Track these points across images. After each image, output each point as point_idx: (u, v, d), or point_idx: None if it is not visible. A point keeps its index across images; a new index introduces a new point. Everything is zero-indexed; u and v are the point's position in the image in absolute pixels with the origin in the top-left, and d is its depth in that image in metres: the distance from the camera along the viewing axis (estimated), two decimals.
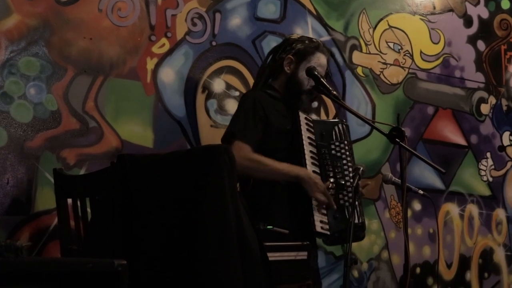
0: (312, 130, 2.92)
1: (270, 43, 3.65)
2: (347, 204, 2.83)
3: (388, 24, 4.20)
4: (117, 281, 1.84)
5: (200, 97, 3.39)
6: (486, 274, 4.49)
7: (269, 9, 3.69)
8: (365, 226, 2.96)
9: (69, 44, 3.01)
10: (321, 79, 2.91)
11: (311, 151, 2.87)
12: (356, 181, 2.60)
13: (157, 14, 3.28)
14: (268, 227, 2.62)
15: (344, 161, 2.92)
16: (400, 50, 4.22)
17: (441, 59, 4.43)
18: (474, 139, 4.54)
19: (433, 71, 4.38)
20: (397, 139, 2.65)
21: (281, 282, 2.39)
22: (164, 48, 3.29)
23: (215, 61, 3.45)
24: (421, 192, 3.11)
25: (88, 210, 2.55)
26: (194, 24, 3.41)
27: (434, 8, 4.46)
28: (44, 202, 2.85)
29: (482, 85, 4.63)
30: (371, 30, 4.10)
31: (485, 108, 4.64)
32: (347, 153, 2.94)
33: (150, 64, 3.24)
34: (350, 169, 2.91)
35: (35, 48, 2.92)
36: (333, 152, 2.92)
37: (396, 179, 3.05)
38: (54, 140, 2.93)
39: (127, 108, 3.14)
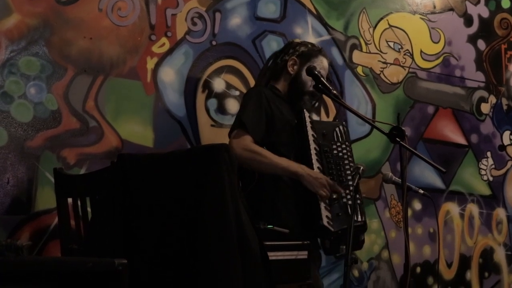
0: (315, 130, 2.93)
1: (270, 42, 3.65)
2: (349, 202, 2.84)
3: (388, 24, 4.20)
4: (117, 281, 1.84)
5: (200, 97, 3.39)
6: (486, 274, 4.49)
7: (269, 9, 3.69)
8: (367, 226, 2.96)
9: (69, 43, 3.01)
10: (321, 78, 2.91)
11: (315, 149, 2.88)
12: (356, 181, 2.60)
13: (157, 14, 3.28)
14: (268, 226, 2.62)
15: (346, 161, 2.94)
16: (400, 50, 4.22)
17: (441, 59, 4.43)
18: (474, 138, 4.54)
19: (433, 71, 4.37)
20: (397, 139, 2.65)
21: (281, 281, 2.39)
22: (164, 48, 3.29)
23: (215, 60, 3.45)
24: (421, 191, 3.11)
25: (89, 209, 2.56)
26: (194, 24, 3.41)
27: (434, 7, 4.46)
28: (45, 202, 2.86)
29: (482, 85, 4.63)
30: (371, 30, 4.10)
31: (485, 108, 4.64)
32: (348, 153, 2.97)
33: (150, 63, 3.24)
34: (352, 169, 2.91)
35: (35, 48, 2.92)
36: (335, 152, 2.94)
37: (396, 178, 3.05)
38: (54, 140, 2.93)
39: (127, 108, 3.14)
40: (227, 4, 3.52)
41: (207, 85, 3.41)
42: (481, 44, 4.67)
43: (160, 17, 3.29)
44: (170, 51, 3.31)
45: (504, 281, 4.58)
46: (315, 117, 3.69)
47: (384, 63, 4.13)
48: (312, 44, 3.14)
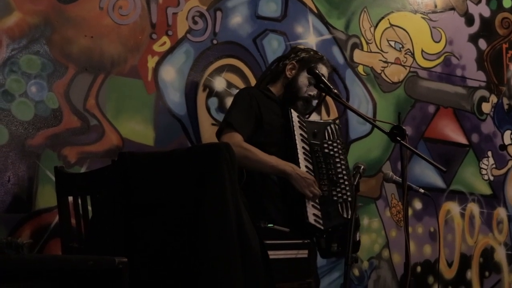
0: (305, 129, 2.95)
1: (271, 41, 3.65)
2: (340, 200, 2.87)
3: (389, 23, 4.19)
4: (118, 279, 1.84)
5: (201, 96, 3.39)
6: (487, 273, 4.49)
7: (270, 8, 3.69)
8: (359, 223, 2.98)
9: (70, 42, 3.01)
10: (322, 77, 2.92)
11: (303, 148, 2.89)
12: (356, 180, 2.60)
13: (158, 12, 3.28)
14: (269, 225, 2.63)
15: (337, 159, 2.95)
16: (401, 49, 4.22)
17: (442, 58, 4.42)
18: (475, 138, 4.54)
19: (434, 70, 4.37)
20: (398, 138, 2.65)
21: (281, 280, 2.39)
22: (165, 46, 3.29)
23: (216, 59, 3.45)
24: (422, 190, 3.11)
25: (89, 208, 2.56)
26: (195, 23, 3.41)
27: (436, 6, 4.46)
28: (45, 200, 2.86)
29: (483, 84, 4.63)
30: (372, 29, 4.10)
31: (486, 107, 4.63)
32: (340, 151, 2.98)
33: (151, 62, 3.24)
34: (343, 167, 2.95)
35: (36, 46, 2.92)
36: (326, 150, 2.95)
37: (397, 177, 3.05)
38: (55, 138, 2.93)
39: (128, 106, 3.15)
40: (228, 3, 3.52)
41: (208, 84, 3.41)
42: (482, 43, 4.67)
43: (161, 15, 3.29)
44: (171, 50, 3.31)
45: (504, 280, 4.58)
46: (313, 118, 3.69)
47: (385, 62, 4.13)
48: (315, 52, 3.17)
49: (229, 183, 2.14)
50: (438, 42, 4.43)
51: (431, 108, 4.33)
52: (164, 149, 3.14)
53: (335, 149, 2.97)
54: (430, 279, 4.18)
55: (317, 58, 3.08)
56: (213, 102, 3.42)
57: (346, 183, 2.91)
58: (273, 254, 2.33)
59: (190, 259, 2.10)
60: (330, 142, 2.97)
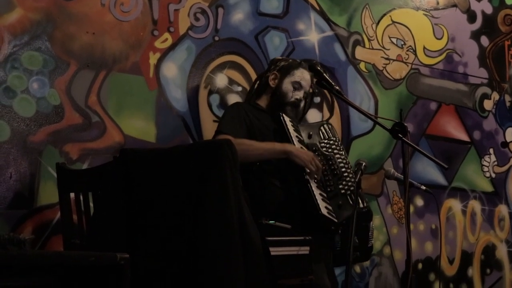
0: (299, 132, 2.99)
1: (273, 38, 3.65)
2: (348, 192, 2.88)
3: (391, 20, 4.19)
4: (119, 275, 1.84)
5: (203, 92, 3.39)
6: (488, 270, 4.49)
7: (272, 4, 3.69)
8: (372, 213, 2.97)
9: (72, 38, 3.01)
10: (324, 74, 2.92)
11: (302, 148, 2.89)
12: (358, 177, 2.60)
13: (160, 9, 3.28)
14: (270, 222, 2.63)
15: (337, 155, 2.97)
16: (403, 46, 4.22)
17: (444, 55, 4.42)
18: (477, 135, 4.53)
19: (436, 67, 4.37)
20: (399, 135, 2.65)
21: (283, 277, 2.39)
22: (166, 43, 3.29)
23: (218, 56, 3.45)
24: (423, 187, 3.11)
25: (91, 204, 2.56)
26: (197, 19, 3.41)
27: (438, 3, 4.45)
28: (47, 196, 2.86)
29: (485, 81, 4.62)
30: (374, 26, 4.09)
31: (488, 104, 4.63)
32: (338, 147, 3.01)
33: (153, 59, 3.24)
34: (344, 161, 2.97)
35: (38, 43, 2.92)
36: (323, 149, 2.98)
37: (399, 174, 3.05)
38: (56, 135, 2.93)
39: (130, 103, 3.15)
40: None
41: (210, 81, 3.41)
42: (485, 40, 4.66)
43: (163, 12, 3.29)
44: (172, 47, 3.31)
45: (506, 277, 4.58)
46: (315, 115, 3.69)
47: (387, 59, 4.12)
48: (293, 59, 3.23)
49: (230, 180, 2.15)
50: (440, 39, 4.42)
51: (433, 105, 4.33)
52: (165, 145, 3.14)
53: (333, 146, 3.00)
54: (432, 276, 4.18)
55: (297, 63, 3.14)
56: (215, 99, 3.42)
57: (351, 175, 2.92)
58: (274, 251, 2.33)
59: (191, 255, 2.10)
60: (326, 141, 3.01)
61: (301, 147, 2.90)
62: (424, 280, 4.14)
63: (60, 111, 2.96)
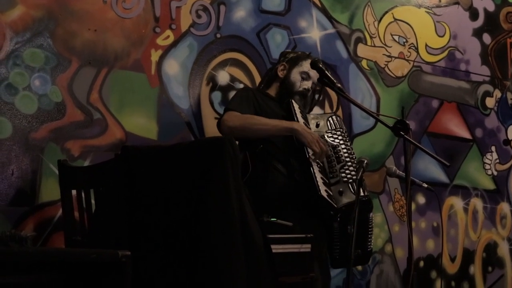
0: (307, 120, 3.02)
1: (275, 35, 3.65)
2: (350, 180, 2.89)
3: (393, 17, 4.18)
4: (121, 272, 1.84)
5: (205, 89, 3.39)
6: (490, 268, 4.49)
7: (274, 2, 3.68)
8: (372, 204, 2.97)
9: (73, 35, 3.01)
10: (326, 71, 2.92)
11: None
12: (360, 174, 2.60)
13: (162, 6, 3.28)
14: (272, 219, 2.62)
15: (343, 145, 2.98)
16: (405, 43, 4.21)
17: (446, 52, 4.41)
18: (479, 132, 4.53)
19: (438, 64, 4.36)
20: (401, 132, 2.65)
21: (284, 274, 2.39)
22: (168, 40, 3.29)
23: (220, 53, 3.45)
24: (425, 185, 3.11)
25: (93, 201, 2.56)
26: (199, 16, 3.40)
27: (440, 0, 4.44)
28: (49, 193, 2.86)
29: (487, 79, 4.62)
30: (376, 23, 4.09)
31: (490, 102, 4.62)
32: (344, 138, 3.03)
33: (155, 56, 3.24)
34: (350, 151, 2.98)
35: (40, 40, 2.92)
36: (330, 140, 2.98)
37: (400, 172, 3.05)
38: (58, 132, 2.93)
39: (132, 100, 3.15)
40: None
41: (211, 78, 3.41)
42: (487, 38, 4.65)
43: (165, 9, 3.29)
44: (174, 44, 3.31)
45: (507, 275, 4.58)
46: (317, 112, 3.69)
47: (388, 56, 4.12)
48: (302, 52, 3.26)
49: (232, 177, 2.15)
50: (442, 36, 4.42)
51: (435, 103, 4.33)
52: (167, 143, 3.14)
53: (340, 137, 3.02)
54: (433, 274, 4.18)
55: (305, 55, 3.18)
56: (217, 96, 3.41)
57: (354, 164, 2.94)
58: (276, 248, 2.33)
59: (193, 253, 2.10)
60: (333, 131, 3.03)
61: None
62: (426, 278, 4.14)
63: (62, 108, 2.96)
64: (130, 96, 3.15)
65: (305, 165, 2.84)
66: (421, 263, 4.12)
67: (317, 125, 3.04)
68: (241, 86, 3.48)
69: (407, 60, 4.21)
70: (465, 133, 4.46)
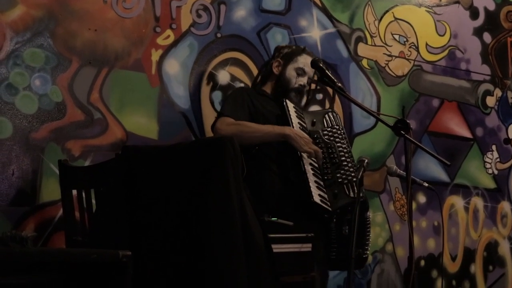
0: (303, 119, 3.00)
1: (275, 35, 3.65)
2: (345, 181, 2.89)
3: (394, 16, 4.18)
4: (121, 272, 1.84)
5: (205, 89, 3.38)
6: (490, 267, 4.49)
7: (274, 1, 3.68)
8: (368, 204, 2.97)
9: (74, 35, 3.01)
10: (326, 71, 2.91)
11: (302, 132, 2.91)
12: (360, 174, 2.60)
13: (162, 6, 3.28)
14: (273, 219, 2.62)
15: (338, 144, 2.98)
16: (406, 42, 4.21)
17: (446, 51, 4.41)
18: (479, 131, 4.53)
19: (439, 64, 4.36)
20: (402, 131, 2.65)
21: (285, 274, 2.39)
22: (169, 40, 3.29)
23: (220, 53, 3.45)
24: (426, 184, 3.10)
25: (93, 201, 2.56)
26: (199, 16, 3.40)
27: (440, 0, 4.44)
28: (49, 193, 2.86)
29: (488, 78, 4.61)
30: (376, 22, 4.09)
31: (490, 101, 4.62)
32: (340, 136, 3.02)
33: (155, 55, 3.24)
34: (345, 150, 2.97)
35: (40, 40, 2.92)
36: (325, 137, 2.98)
37: (401, 171, 3.05)
38: (59, 132, 2.93)
39: (132, 100, 3.14)
40: None
41: (212, 78, 3.41)
42: (487, 37, 4.65)
43: (165, 9, 3.29)
44: (175, 43, 3.30)
45: (508, 274, 4.58)
46: (314, 108, 3.68)
47: (389, 56, 4.12)
48: (297, 46, 3.27)
49: (233, 177, 2.14)
50: (443, 35, 4.41)
51: (435, 102, 4.32)
52: (167, 142, 3.14)
53: (335, 135, 3.01)
54: (434, 273, 4.18)
55: (300, 50, 3.17)
56: (217, 95, 3.41)
57: (350, 164, 2.93)
58: (276, 248, 2.33)
59: (193, 253, 2.10)
60: (329, 129, 3.02)
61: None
62: (427, 277, 4.14)
63: (62, 108, 2.95)
64: (131, 96, 3.14)
65: (299, 168, 2.84)
66: (422, 262, 4.12)
67: (313, 123, 3.02)
68: (242, 85, 3.47)
69: (408, 59, 4.20)
70: (465, 132, 4.46)
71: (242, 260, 2.10)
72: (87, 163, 2.97)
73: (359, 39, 4.00)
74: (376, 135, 3.97)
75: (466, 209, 4.39)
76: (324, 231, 2.86)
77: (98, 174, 2.51)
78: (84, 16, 3.04)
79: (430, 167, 4.19)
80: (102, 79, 3.07)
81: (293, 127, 2.92)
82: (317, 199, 2.76)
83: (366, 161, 2.65)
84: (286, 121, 2.94)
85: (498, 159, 4.60)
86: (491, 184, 4.55)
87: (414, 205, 4.09)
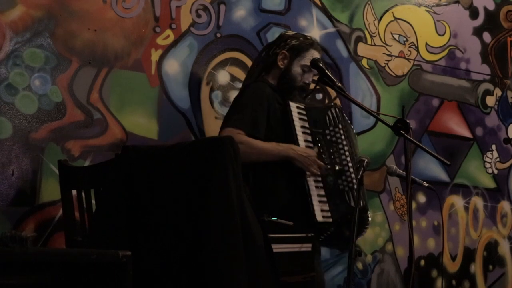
0: (306, 118, 2.93)
1: (275, 35, 3.62)
2: (346, 189, 2.87)
3: (394, 16, 4.18)
4: (121, 272, 1.84)
5: (205, 89, 3.38)
6: (490, 267, 4.49)
7: (274, 1, 3.68)
8: (368, 208, 2.96)
9: (73, 35, 3.01)
10: (326, 71, 2.91)
11: (306, 140, 2.89)
12: (360, 173, 2.60)
13: (162, 6, 3.28)
14: (273, 219, 2.62)
15: (340, 146, 2.93)
16: (405, 42, 4.21)
17: (446, 51, 4.41)
18: (479, 131, 4.53)
19: (439, 63, 4.36)
20: (402, 131, 2.65)
21: (285, 274, 2.39)
22: (168, 40, 3.29)
23: (220, 53, 3.45)
24: (425, 184, 3.10)
25: (93, 201, 2.56)
26: (199, 16, 3.40)
27: None
28: (49, 194, 2.86)
29: (487, 77, 4.61)
30: (376, 22, 4.09)
31: (490, 100, 4.62)
32: (342, 137, 2.95)
33: (155, 55, 3.24)
34: (347, 153, 2.93)
35: (40, 40, 2.92)
36: (328, 138, 2.94)
37: (401, 171, 3.05)
38: (58, 132, 2.93)
39: (132, 100, 3.14)
40: None
41: (212, 78, 3.41)
42: (487, 36, 4.65)
43: (165, 9, 3.29)
44: (174, 43, 3.30)
45: (508, 274, 4.58)
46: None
47: (389, 55, 4.12)
48: (304, 37, 3.09)
49: (232, 177, 2.14)
50: (442, 35, 4.41)
51: (435, 102, 4.32)
52: (167, 142, 3.14)
53: (337, 135, 2.95)
54: (434, 273, 4.18)
55: (308, 43, 3.03)
56: (217, 95, 3.41)
57: (351, 170, 2.90)
58: (277, 248, 2.33)
59: (193, 253, 2.10)
60: (331, 128, 2.95)
61: (305, 145, 2.88)
62: (427, 276, 4.14)
63: (62, 108, 2.95)
64: (130, 96, 3.14)
65: (302, 183, 2.83)
66: (422, 262, 4.12)
67: (315, 123, 2.95)
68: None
69: (407, 59, 4.20)
70: (465, 132, 4.46)
71: (242, 260, 2.09)
72: (87, 163, 2.97)
73: (358, 39, 4.00)
74: (376, 134, 3.97)
75: (466, 208, 4.39)
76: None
77: (98, 174, 2.51)
78: (84, 16, 3.04)
79: (430, 167, 4.19)
80: (102, 79, 3.07)
81: (296, 135, 2.87)
82: (320, 218, 2.77)
83: (366, 160, 2.65)
84: (289, 128, 2.88)
85: (498, 159, 4.60)
86: (491, 184, 4.55)
87: (414, 205, 4.09)
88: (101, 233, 2.26)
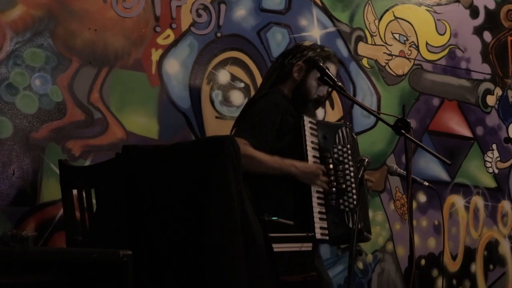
0: (316, 133, 2.92)
1: (275, 34, 3.65)
2: (347, 209, 2.86)
3: (394, 15, 4.18)
4: (122, 272, 1.84)
5: (205, 89, 3.38)
6: (491, 266, 4.49)
7: (274, 0, 3.68)
8: (365, 229, 2.95)
9: (74, 35, 3.01)
10: (327, 71, 2.90)
11: (314, 156, 2.88)
12: (361, 173, 2.60)
13: (162, 5, 3.28)
14: (273, 218, 2.62)
15: (346, 166, 2.91)
16: (406, 41, 4.21)
17: (447, 50, 4.41)
18: (480, 130, 4.53)
19: (439, 63, 4.36)
20: (402, 131, 2.65)
21: (285, 273, 2.39)
22: (169, 39, 3.29)
23: (220, 52, 3.45)
24: (426, 183, 3.10)
25: (93, 201, 2.56)
26: (199, 15, 3.40)
27: None
28: (50, 193, 2.86)
29: (488, 77, 4.61)
30: (376, 21, 4.09)
31: (491, 100, 4.62)
32: (349, 157, 2.93)
33: (155, 55, 3.24)
34: (352, 174, 2.91)
35: (40, 39, 2.92)
36: (335, 155, 2.92)
37: (401, 170, 3.05)
38: (59, 131, 2.93)
39: (132, 100, 3.14)
40: None
41: (212, 77, 3.41)
42: (487, 36, 4.65)
43: (165, 8, 3.29)
44: (175, 43, 3.30)
45: (509, 273, 4.58)
46: (317, 110, 3.69)
47: (389, 55, 4.12)
48: (321, 49, 3.05)
49: (233, 176, 2.14)
50: (443, 34, 4.41)
51: (436, 101, 4.32)
52: (168, 142, 3.14)
53: (345, 155, 2.92)
54: (434, 272, 4.18)
55: (324, 56, 3.00)
56: (217, 95, 3.41)
57: (354, 191, 2.87)
58: (277, 247, 2.33)
59: (194, 252, 2.10)
60: (340, 147, 2.92)
61: (313, 160, 2.87)
62: (427, 276, 4.14)
63: (63, 108, 2.95)
64: (131, 96, 3.14)
65: (304, 197, 2.83)
66: (423, 262, 4.12)
67: (325, 138, 2.93)
68: (242, 85, 3.47)
69: (408, 59, 4.20)
70: (466, 131, 4.46)
71: (243, 260, 2.10)
72: (87, 163, 2.97)
73: (359, 38, 4.00)
74: (377, 134, 3.97)
75: (467, 208, 4.39)
76: None
77: (98, 173, 2.51)
78: (84, 16, 3.04)
79: (430, 166, 4.19)
80: (102, 79, 3.07)
81: (305, 150, 2.85)
82: (318, 235, 2.76)
83: (366, 160, 2.65)
84: (299, 141, 2.87)
85: (499, 158, 4.60)
86: (492, 183, 4.55)
87: (414, 204, 4.09)
88: (101, 233, 2.26)
